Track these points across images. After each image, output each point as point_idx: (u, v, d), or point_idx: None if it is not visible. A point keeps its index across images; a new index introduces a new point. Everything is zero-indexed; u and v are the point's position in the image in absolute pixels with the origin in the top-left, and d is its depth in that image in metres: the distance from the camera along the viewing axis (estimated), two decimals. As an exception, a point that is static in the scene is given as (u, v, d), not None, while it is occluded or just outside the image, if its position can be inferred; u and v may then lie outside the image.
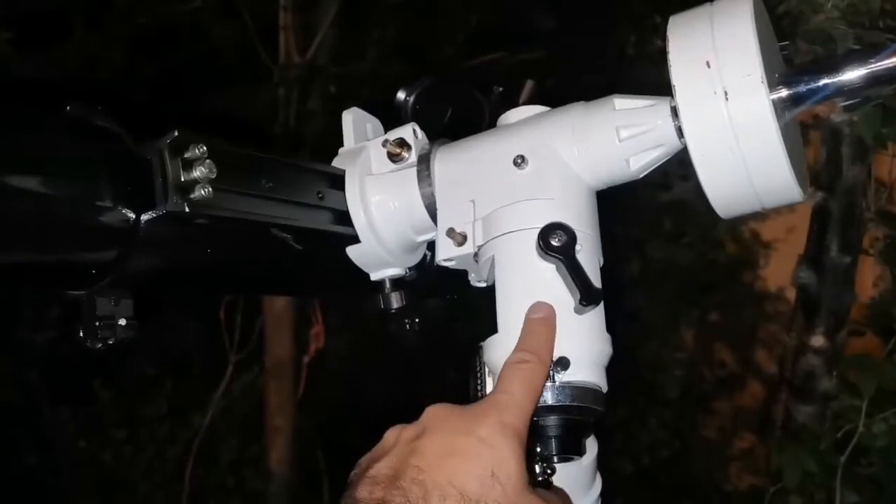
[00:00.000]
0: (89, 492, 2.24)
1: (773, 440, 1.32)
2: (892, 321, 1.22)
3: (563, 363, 0.59)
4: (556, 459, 0.61)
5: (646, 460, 3.06)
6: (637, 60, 2.62)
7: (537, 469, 0.64)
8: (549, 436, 0.60)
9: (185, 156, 0.58)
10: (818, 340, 1.31)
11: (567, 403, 0.59)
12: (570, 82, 0.71)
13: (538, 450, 0.61)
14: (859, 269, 1.32)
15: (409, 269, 0.77)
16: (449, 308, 1.02)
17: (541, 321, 0.59)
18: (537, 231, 0.61)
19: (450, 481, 0.49)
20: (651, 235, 3.11)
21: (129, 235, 0.58)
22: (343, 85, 2.36)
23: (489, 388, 0.69)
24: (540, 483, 0.66)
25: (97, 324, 0.59)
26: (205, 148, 0.58)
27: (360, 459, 0.54)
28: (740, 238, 3.48)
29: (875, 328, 1.29)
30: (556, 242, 0.59)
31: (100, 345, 0.59)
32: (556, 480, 0.66)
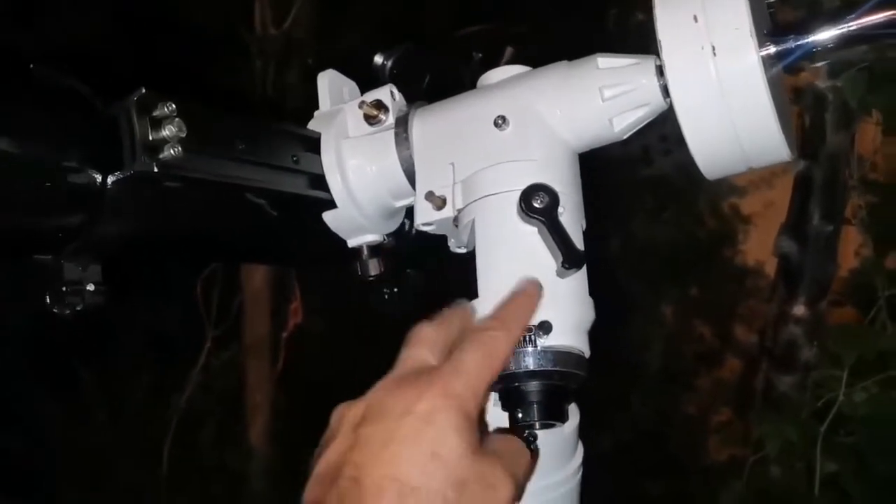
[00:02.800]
0: (69, 473, 2.22)
1: (754, 411, 1.32)
2: (873, 291, 1.22)
3: (546, 327, 0.57)
4: (537, 426, 0.60)
5: (626, 436, 3.08)
6: (619, 35, 2.60)
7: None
8: (530, 401, 0.59)
9: (154, 114, 0.55)
10: (800, 310, 1.31)
11: (549, 368, 0.58)
12: (554, 51, 0.69)
13: (519, 416, 0.59)
14: (841, 238, 1.32)
15: (387, 235, 0.76)
16: (427, 279, 1.00)
17: (524, 294, 0.56)
18: (518, 193, 0.59)
19: (387, 474, 0.45)
20: (632, 212, 3.11)
21: (96, 198, 0.56)
22: (322, 58, 2.33)
23: (469, 355, 0.68)
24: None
25: (64, 289, 0.57)
26: (174, 106, 0.56)
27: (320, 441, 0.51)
28: (720, 213, 3.48)
29: (856, 298, 1.30)
30: (538, 204, 0.58)
31: (67, 311, 0.57)
32: (541, 449, 0.65)
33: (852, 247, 1.35)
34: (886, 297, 1.21)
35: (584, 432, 0.68)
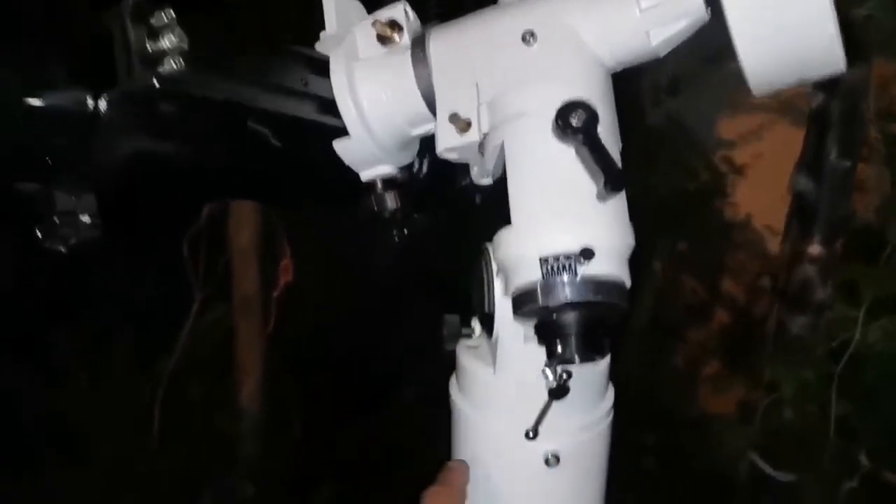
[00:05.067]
0: (54, 442, 2.16)
1: (765, 354, 1.29)
2: (886, 229, 1.19)
3: (588, 253, 0.53)
4: (577, 360, 0.56)
5: (616, 391, 3.06)
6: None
7: (552, 374, 0.60)
8: (570, 335, 0.55)
9: (151, 22, 0.50)
10: (815, 249, 1.28)
11: (590, 299, 0.53)
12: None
13: (558, 351, 0.55)
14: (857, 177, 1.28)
15: (401, 169, 0.71)
16: (435, 223, 0.95)
17: (454, 468, 0.67)
18: (552, 112, 0.54)
19: None
20: (623, 165, 3.05)
21: (88, 119, 0.50)
22: None
23: (497, 292, 0.64)
24: (556, 389, 0.61)
25: (56, 220, 0.51)
26: (173, 14, 0.50)
27: None
28: (711, 166, 3.44)
29: (869, 237, 1.26)
30: (575, 122, 0.53)
31: (61, 245, 0.52)
32: (572, 386, 0.61)
33: (869, 185, 1.31)
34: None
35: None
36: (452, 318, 0.73)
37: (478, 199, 0.89)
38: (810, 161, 1.30)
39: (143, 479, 2.19)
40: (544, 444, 0.66)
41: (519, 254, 0.55)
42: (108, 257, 2.09)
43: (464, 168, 0.84)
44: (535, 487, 0.67)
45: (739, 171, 3.31)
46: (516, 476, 0.68)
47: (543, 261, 0.54)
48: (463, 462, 0.70)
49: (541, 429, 0.65)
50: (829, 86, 1.24)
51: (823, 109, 1.25)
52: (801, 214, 1.32)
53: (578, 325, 0.55)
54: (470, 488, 0.71)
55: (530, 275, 0.55)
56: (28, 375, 2.10)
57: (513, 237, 0.55)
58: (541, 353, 0.61)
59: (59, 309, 2.13)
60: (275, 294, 2.23)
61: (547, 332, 0.56)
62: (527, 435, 0.63)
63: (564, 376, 0.61)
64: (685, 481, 1.34)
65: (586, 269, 0.53)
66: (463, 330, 0.73)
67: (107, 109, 0.50)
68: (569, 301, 0.53)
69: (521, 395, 0.64)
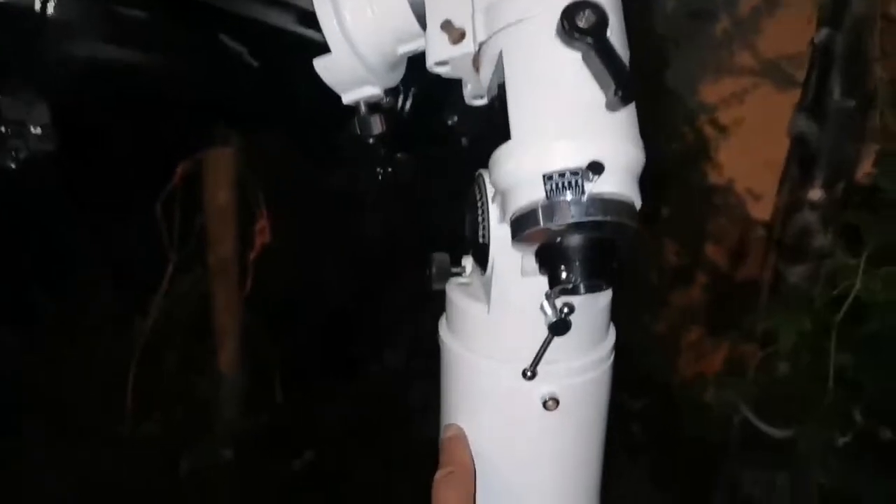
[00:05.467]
0: (30, 409, 2.10)
1: (763, 305, 1.26)
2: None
3: (597, 168, 0.48)
4: (583, 288, 0.51)
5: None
6: None
7: (552, 307, 0.55)
8: (575, 258, 0.51)
9: None
10: (815, 194, 1.24)
11: (599, 218, 0.49)
12: None
13: (562, 276, 0.51)
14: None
15: (387, 93, 0.66)
16: (418, 164, 0.91)
17: (453, 439, 0.63)
18: (556, 14, 0.49)
19: None
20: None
21: (35, 15, 0.44)
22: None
23: (493, 219, 0.59)
24: (557, 323, 0.57)
25: (3, 130, 0.46)
26: None
27: None
28: (692, 130, 3.41)
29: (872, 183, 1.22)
30: (583, 23, 0.48)
31: (10, 160, 0.46)
32: (574, 321, 0.57)
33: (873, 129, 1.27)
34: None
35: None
36: (441, 256, 0.68)
37: (465, 142, 0.84)
38: (811, 102, 1.25)
39: (119, 444, 2.14)
40: (542, 386, 0.61)
41: (519, 171, 0.50)
42: (77, 217, 2.02)
43: (451, 106, 0.79)
44: (533, 433, 0.63)
45: (723, 129, 3.28)
46: (512, 421, 0.63)
47: (547, 178, 0.49)
48: (457, 428, 0.65)
49: (538, 370, 0.61)
50: (834, 19, 1.19)
51: (826, 45, 1.20)
52: (801, 158, 1.28)
53: (585, 249, 0.51)
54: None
55: (532, 194, 0.50)
56: (5, 338, 2.04)
57: (513, 153, 0.51)
58: (539, 287, 0.57)
59: (37, 272, 2.06)
60: (252, 255, 2.17)
61: (550, 257, 0.51)
62: (524, 375, 0.59)
63: (566, 310, 0.57)
64: (675, 444, 1.32)
65: (594, 186, 0.49)
66: (452, 268, 0.68)
67: (57, 6, 0.44)
68: (574, 221, 0.49)
69: (517, 334, 0.60)
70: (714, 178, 3.56)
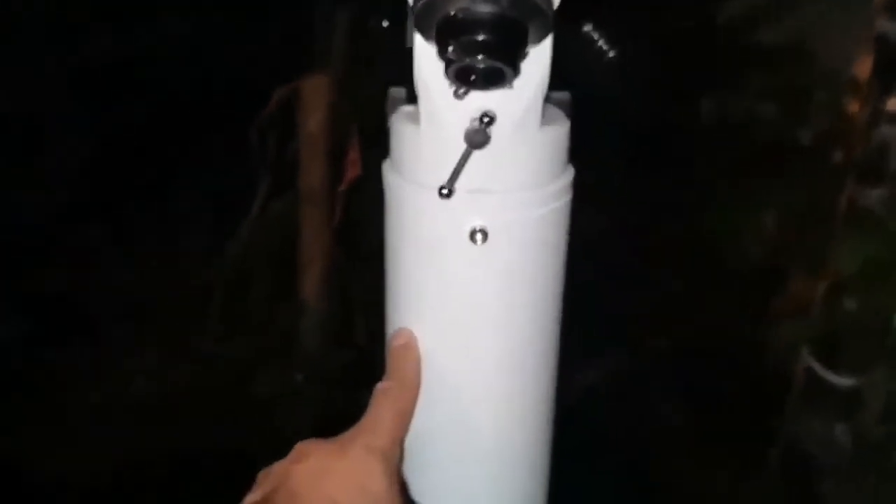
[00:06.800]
0: (122, 318, 2.21)
1: (832, 232, 1.11)
2: None
3: None
4: (479, 67, 0.44)
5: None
6: None
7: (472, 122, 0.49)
8: (466, 32, 0.44)
9: None
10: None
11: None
12: None
13: (451, 53, 0.44)
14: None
15: None
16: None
17: (403, 347, 0.60)
18: None
19: (323, 496, 0.52)
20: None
21: None
22: None
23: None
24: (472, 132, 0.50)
25: None
26: None
27: None
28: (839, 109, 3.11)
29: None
30: None
31: None
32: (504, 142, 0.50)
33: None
34: None
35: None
36: (397, 91, 0.62)
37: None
38: (896, -2, 1.08)
39: (198, 358, 2.22)
40: (470, 217, 0.55)
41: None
42: (174, 139, 2.09)
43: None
44: (460, 269, 0.57)
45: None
46: (440, 256, 0.57)
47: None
48: (408, 335, 0.60)
49: (469, 199, 0.54)
50: None
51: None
52: (885, 66, 1.10)
53: (483, 24, 0.44)
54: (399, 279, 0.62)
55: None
56: (102, 243, 2.15)
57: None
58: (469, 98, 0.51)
59: (135, 189, 2.15)
60: (342, 187, 2.17)
61: (443, 34, 0.45)
62: (440, 192, 0.52)
63: (485, 119, 0.50)
64: (728, 393, 1.20)
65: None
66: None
67: None
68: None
69: (445, 152, 0.53)
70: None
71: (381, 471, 0.54)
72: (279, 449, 0.57)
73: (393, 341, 0.61)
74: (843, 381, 1.04)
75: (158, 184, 2.15)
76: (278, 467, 0.55)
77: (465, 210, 0.54)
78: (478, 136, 0.50)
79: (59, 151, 2.05)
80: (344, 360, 2.22)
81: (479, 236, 0.54)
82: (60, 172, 2.07)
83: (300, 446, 0.56)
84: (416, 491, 0.63)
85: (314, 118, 2.15)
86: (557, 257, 0.59)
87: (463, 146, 0.52)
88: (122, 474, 1.88)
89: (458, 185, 0.54)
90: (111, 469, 1.87)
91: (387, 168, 0.61)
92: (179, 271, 2.23)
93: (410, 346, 0.60)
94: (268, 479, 0.55)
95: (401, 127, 0.58)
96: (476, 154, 0.53)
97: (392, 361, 0.60)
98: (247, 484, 0.56)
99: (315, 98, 2.14)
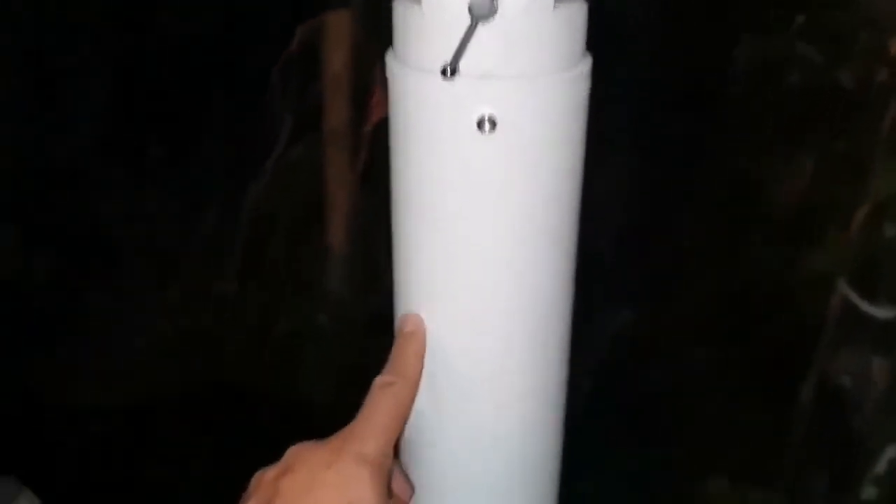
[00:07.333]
0: (144, 256, 2.20)
1: (873, 156, 1.04)
2: None
3: None
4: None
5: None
6: None
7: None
8: None
9: None
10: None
11: None
12: None
13: None
14: None
15: None
16: None
17: (410, 335, 0.59)
18: None
19: None
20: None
21: None
22: None
23: None
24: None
25: None
26: None
27: None
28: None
29: None
30: None
31: None
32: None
33: None
34: None
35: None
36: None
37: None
38: None
39: (220, 299, 2.21)
40: (478, 104, 0.51)
41: None
42: (200, 79, 2.06)
43: None
44: (467, 164, 0.53)
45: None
46: (447, 150, 0.53)
47: None
48: (417, 321, 0.59)
49: (475, 83, 0.50)
50: None
51: None
52: None
53: None
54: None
55: None
56: (126, 180, 2.13)
57: None
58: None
59: (155, 126, 2.13)
60: (366, 128, 2.12)
61: None
62: (443, 72, 0.48)
63: (493, -12, 0.46)
64: (761, 326, 1.15)
65: None
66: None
67: None
68: None
69: (450, 31, 0.49)
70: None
71: (371, 484, 0.53)
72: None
73: (402, 327, 0.60)
74: (881, 311, 1.00)
75: (180, 125, 2.12)
76: (269, 475, 0.55)
77: (472, 97, 0.50)
78: (483, 5, 0.45)
79: (82, 89, 2.03)
80: (369, 305, 2.20)
81: (487, 125, 0.50)
82: (83, 111, 2.05)
83: (291, 453, 0.55)
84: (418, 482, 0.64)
85: (338, 57, 2.10)
86: (573, 158, 0.55)
87: (468, 21, 0.47)
88: (138, 408, 1.91)
89: (465, 70, 0.49)
90: (130, 402, 1.89)
91: (389, 58, 0.57)
92: (201, 212, 2.21)
93: (417, 335, 0.59)
94: (258, 490, 0.54)
95: (402, 9, 0.53)
96: (484, 35, 0.48)
97: (396, 349, 0.59)
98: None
99: (339, 35, 2.09)
